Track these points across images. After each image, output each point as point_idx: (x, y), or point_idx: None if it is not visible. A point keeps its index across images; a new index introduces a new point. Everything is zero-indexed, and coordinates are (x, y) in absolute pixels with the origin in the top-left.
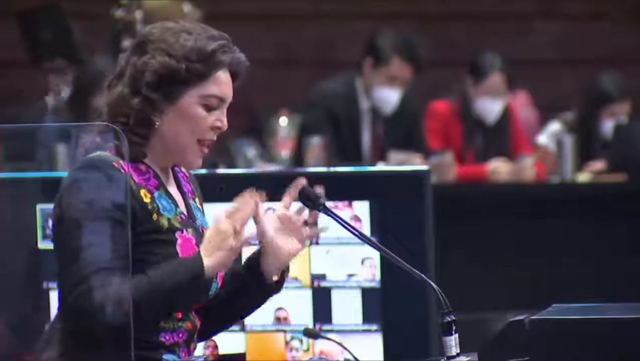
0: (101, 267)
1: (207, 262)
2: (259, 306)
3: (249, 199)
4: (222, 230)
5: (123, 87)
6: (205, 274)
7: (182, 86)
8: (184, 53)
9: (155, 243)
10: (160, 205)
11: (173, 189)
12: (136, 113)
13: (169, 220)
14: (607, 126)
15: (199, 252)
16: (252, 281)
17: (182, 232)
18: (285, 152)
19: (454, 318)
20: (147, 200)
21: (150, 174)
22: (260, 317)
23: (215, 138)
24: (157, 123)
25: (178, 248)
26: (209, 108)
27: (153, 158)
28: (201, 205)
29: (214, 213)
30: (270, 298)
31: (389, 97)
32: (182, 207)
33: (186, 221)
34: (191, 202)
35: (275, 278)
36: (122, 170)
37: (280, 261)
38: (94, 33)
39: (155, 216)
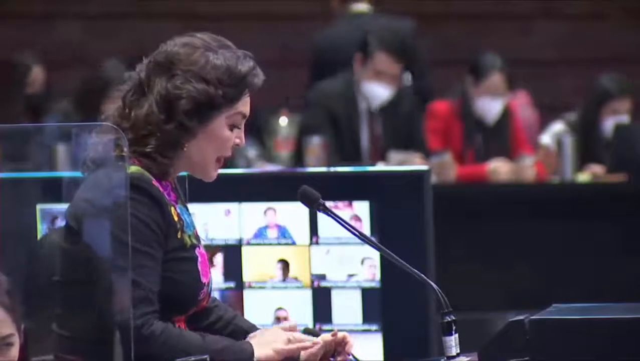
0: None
1: (257, 351)
2: None
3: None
4: (279, 334)
5: (150, 107)
6: None
7: (215, 111)
8: (217, 76)
9: (179, 260)
10: (185, 222)
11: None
12: (168, 138)
13: (189, 236)
14: (609, 125)
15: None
16: None
17: (199, 248)
18: (285, 152)
19: (454, 318)
20: (176, 218)
21: (169, 188)
22: (260, 317)
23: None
24: (185, 147)
25: (199, 266)
26: (232, 127)
27: (172, 173)
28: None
29: None
30: None
31: (377, 92)
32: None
33: (199, 235)
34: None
35: None
36: (160, 190)
37: None
38: None
39: (179, 234)
